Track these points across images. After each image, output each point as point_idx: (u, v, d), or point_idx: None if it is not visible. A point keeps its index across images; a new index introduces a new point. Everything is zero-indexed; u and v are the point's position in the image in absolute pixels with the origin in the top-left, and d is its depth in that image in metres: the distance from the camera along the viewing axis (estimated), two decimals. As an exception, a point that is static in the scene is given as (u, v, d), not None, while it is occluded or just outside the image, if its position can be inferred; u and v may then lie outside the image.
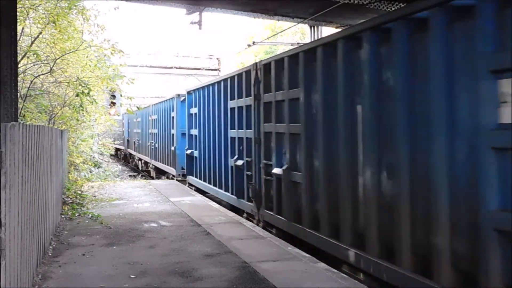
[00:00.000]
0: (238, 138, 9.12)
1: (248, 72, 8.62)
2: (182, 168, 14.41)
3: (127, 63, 14.41)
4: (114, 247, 6.44)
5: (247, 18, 12.73)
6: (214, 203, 10.31)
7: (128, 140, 27.38)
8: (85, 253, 6.11)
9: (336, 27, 12.40)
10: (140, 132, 22.87)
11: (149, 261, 5.71)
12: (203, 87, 11.83)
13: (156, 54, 27.63)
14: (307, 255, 6.01)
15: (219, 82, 10.45)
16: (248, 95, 8.54)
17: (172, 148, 15.15)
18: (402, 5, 9.58)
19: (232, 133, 9.44)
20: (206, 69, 27.58)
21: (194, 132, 12.60)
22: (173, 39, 57.61)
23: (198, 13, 11.14)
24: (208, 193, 11.57)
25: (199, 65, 27.97)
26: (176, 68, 28.12)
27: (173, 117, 15.28)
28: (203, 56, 29.06)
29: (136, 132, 24.12)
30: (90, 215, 8.55)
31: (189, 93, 13.36)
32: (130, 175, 21.95)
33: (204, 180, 11.73)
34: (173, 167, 15.27)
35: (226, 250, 6.23)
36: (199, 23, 11.43)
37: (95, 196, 11.19)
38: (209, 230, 7.39)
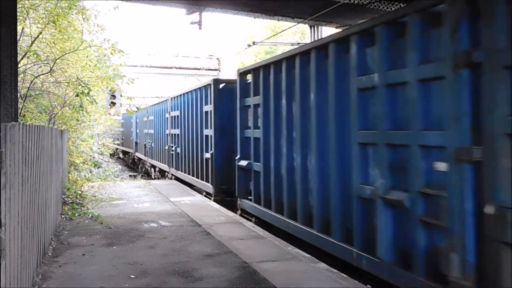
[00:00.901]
0: (388, 145, 4.82)
1: (421, 11, 4.38)
2: (222, 185, 10.66)
3: (127, 63, 14.37)
4: (114, 247, 6.44)
5: (247, 18, 12.73)
6: (214, 203, 10.30)
7: (136, 143, 23.36)
8: (85, 253, 6.11)
9: (336, 27, 12.43)
10: (152, 134, 18.73)
11: (149, 261, 5.72)
12: (276, 62, 7.59)
13: (156, 54, 27.66)
14: (307, 255, 6.01)
15: (319, 48, 6.23)
16: (424, 59, 4.36)
17: (207, 155, 11.15)
18: (402, 5, 9.61)
19: (367, 136, 5.18)
20: (206, 69, 27.61)
21: (255, 133, 8.50)
22: (173, 39, 57.48)
23: (198, 13, 11.15)
24: (281, 228, 7.40)
25: (199, 65, 28.00)
26: (176, 68, 28.14)
27: (206, 112, 11.33)
28: (203, 56, 29.10)
29: (147, 134, 20.10)
30: (90, 215, 8.56)
31: (242, 74, 9.16)
32: (130, 175, 21.97)
33: (277, 211, 7.51)
34: (208, 182, 11.24)
35: (226, 250, 6.23)
36: (199, 23, 11.44)
37: (95, 196, 11.19)
38: (209, 230, 7.39)
